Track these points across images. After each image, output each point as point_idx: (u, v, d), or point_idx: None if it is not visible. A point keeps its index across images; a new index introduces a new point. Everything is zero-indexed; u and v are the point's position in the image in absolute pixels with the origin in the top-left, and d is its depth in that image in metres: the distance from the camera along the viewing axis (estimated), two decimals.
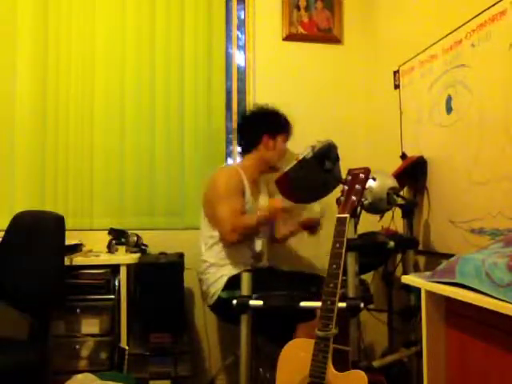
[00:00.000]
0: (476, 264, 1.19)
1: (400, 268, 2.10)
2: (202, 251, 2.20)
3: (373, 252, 2.00)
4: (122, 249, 2.32)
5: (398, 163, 2.21)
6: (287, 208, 2.14)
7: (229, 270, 2.10)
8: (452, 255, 1.36)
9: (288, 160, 2.35)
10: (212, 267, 2.14)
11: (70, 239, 2.25)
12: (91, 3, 2.59)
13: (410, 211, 2.08)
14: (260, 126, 2.30)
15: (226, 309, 1.98)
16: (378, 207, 1.98)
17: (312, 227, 2.26)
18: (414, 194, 2.22)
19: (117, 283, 2.20)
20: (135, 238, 2.37)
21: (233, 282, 2.03)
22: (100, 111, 2.58)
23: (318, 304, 1.51)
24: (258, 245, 2.26)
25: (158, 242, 2.48)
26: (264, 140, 2.27)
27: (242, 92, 2.78)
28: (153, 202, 2.60)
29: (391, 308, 2.15)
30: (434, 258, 2.05)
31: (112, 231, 2.39)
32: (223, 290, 2.06)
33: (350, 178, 1.64)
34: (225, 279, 2.07)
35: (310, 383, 1.42)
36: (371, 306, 2.14)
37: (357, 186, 1.60)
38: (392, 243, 1.94)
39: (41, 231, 2.04)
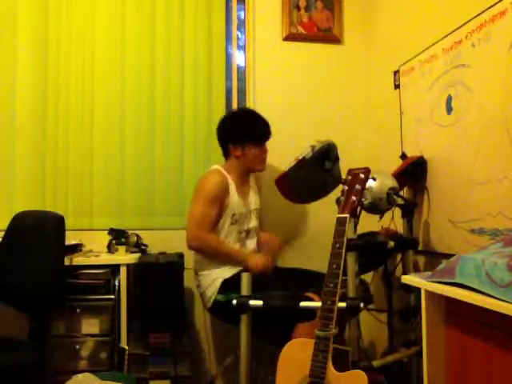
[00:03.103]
0: (476, 264, 1.19)
1: (400, 268, 2.10)
2: (195, 252, 2.19)
3: (373, 252, 2.00)
4: (122, 249, 2.32)
5: (398, 163, 2.21)
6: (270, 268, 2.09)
7: (222, 272, 2.10)
8: (452, 255, 1.36)
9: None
10: (205, 268, 2.13)
11: (70, 239, 2.26)
12: (91, 2, 2.59)
13: (409, 211, 2.08)
14: (222, 137, 2.26)
15: (224, 311, 1.98)
16: (377, 207, 1.98)
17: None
18: (414, 194, 2.22)
19: (117, 283, 2.20)
20: (135, 238, 2.37)
21: (227, 285, 2.03)
22: (100, 111, 2.58)
23: (318, 304, 1.51)
24: (251, 243, 2.27)
25: (157, 242, 2.48)
26: (231, 150, 2.22)
27: (241, 92, 2.77)
28: (153, 202, 2.60)
29: (391, 308, 2.15)
30: (434, 258, 2.05)
31: (112, 231, 2.39)
32: (218, 293, 2.06)
33: (349, 178, 1.64)
34: (219, 281, 2.07)
35: (309, 383, 1.42)
36: (371, 306, 2.14)
37: (357, 186, 1.60)
38: (392, 243, 1.94)
39: (41, 231, 2.04)
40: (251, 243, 2.27)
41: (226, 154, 2.27)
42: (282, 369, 1.55)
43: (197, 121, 2.67)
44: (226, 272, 2.09)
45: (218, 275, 2.09)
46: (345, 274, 1.71)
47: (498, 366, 1.17)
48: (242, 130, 2.22)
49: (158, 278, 2.15)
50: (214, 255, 2.11)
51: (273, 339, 2.04)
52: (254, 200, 2.32)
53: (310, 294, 1.90)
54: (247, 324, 1.80)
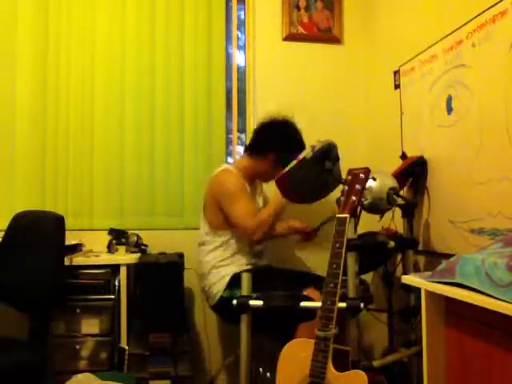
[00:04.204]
0: (476, 264, 1.19)
1: (400, 268, 2.10)
2: (204, 254, 2.19)
3: (373, 252, 2.00)
4: (122, 249, 2.32)
5: (398, 163, 2.21)
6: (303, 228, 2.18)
7: (231, 270, 2.10)
8: (452, 255, 1.36)
9: None
10: (214, 268, 2.14)
11: (70, 239, 2.26)
12: (91, 2, 2.59)
13: (410, 211, 2.08)
14: (273, 141, 2.19)
15: (228, 308, 1.98)
16: (378, 207, 1.98)
17: (308, 235, 2.29)
18: (414, 194, 2.22)
19: (117, 283, 2.20)
20: (135, 238, 2.37)
21: (235, 281, 2.02)
22: (100, 111, 2.58)
23: (318, 304, 1.51)
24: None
25: (158, 242, 2.48)
26: (268, 156, 2.19)
27: (241, 92, 2.78)
28: (153, 202, 2.60)
29: (391, 308, 2.15)
30: (434, 258, 2.05)
31: (112, 231, 2.39)
32: (225, 289, 2.06)
33: (349, 178, 1.64)
34: (227, 279, 2.07)
35: (310, 383, 1.42)
36: (371, 306, 2.14)
37: (357, 186, 1.60)
38: (392, 243, 1.94)
39: (41, 231, 2.04)
40: None
41: (253, 151, 2.23)
42: (282, 368, 1.55)
43: (197, 121, 2.67)
44: (235, 270, 2.09)
45: (226, 273, 2.09)
46: (345, 273, 1.71)
47: (498, 366, 1.17)
48: (293, 150, 2.10)
49: (157, 278, 2.14)
50: (271, 227, 2.11)
51: (274, 335, 2.05)
52: (259, 200, 2.33)
53: (309, 291, 1.90)
54: (247, 324, 1.80)
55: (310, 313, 1.80)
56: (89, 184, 2.55)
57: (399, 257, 2.11)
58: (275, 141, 2.19)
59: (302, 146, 2.16)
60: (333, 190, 2.21)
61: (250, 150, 2.27)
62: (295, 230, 2.28)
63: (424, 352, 1.42)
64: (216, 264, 2.14)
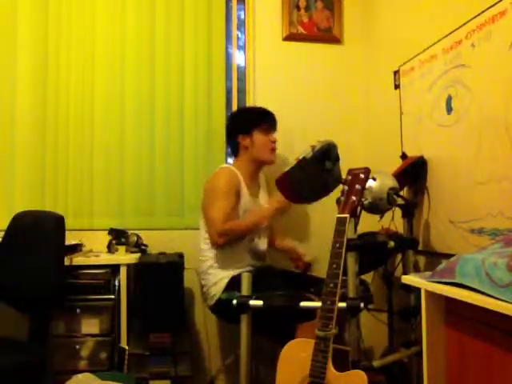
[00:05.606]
0: (476, 264, 1.19)
1: (400, 268, 2.10)
2: (202, 251, 2.19)
3: (373, 252, 2.00)
4: (122, 249, 2.32)
5: (398, 163, 2.21)
6: (284, 208, 2.19)
7: (229, 272, 2.10)
8: (452, 255, 1.36)
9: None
10: (212, 268, 2.14)
11: (70, 239, 2.26)
12: (91, 2, 2.59)
13: (410, 211, 2.08)
14: (232, 129, 2.34)
15: (226, 310, 1.98)
16: (378, 207, 1.98)
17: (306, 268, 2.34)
18: (414, 194, 2.22)
19: (117, 283, 2.20)
20: (135, 238, 2.37)
21: (233, 283, 2.03)
22: (100, 111, 2.58)
23: (318, 304, 1.51)
24: (263, 243, 2.27)
25: (157, 242, 2.48)
26: (240, 141, 2.28)
27: (241, 92, 2.77)
28: (153, 202, 2.60)
29: (391, 308, 2.15)
30: (434, 258, 2.05)
31: (112, 231, 2.39)
32: (225, 290, 2.06)
33: (349, 178, 1.64)
34: (225, 281, 2.07)
35: (310, 383, 1.43)
36: (371, 306, 2.14)
37: (357, 186, 1.60)
38: (392, 243, 1.94)
39: (41, 231, 2.04)
40: (263, 243, 2.28)
41: (236, 151, 2.32)
42: (282, 369, 1.55)
43: (197, 121, 2.66)
44: (233, 272, 2.09)
45: (224, 275, 2.09)
46: (345, 273, 1.71)
47: (498, 366, 1.17)
48: (249, 117, 2.30)
49: (158, 278, 2.14)
50: (242, 237, 2.15)
51: (273, 336, 2.05)
52: (264, 200, 2.33)
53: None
54: (247, 324, 1.80)
55: (310, 313, 1.80)
56: (89, 184, 2.55)
57: (399, 257, 2.11)
58: (231, 127, 2.38)
59: (247, 111, 2.43)
60: (333, 190, 2.21)
61: (232, 152, 2.40)
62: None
63: (424, 352, 1.42)
64: (213, 264, 2.14)
